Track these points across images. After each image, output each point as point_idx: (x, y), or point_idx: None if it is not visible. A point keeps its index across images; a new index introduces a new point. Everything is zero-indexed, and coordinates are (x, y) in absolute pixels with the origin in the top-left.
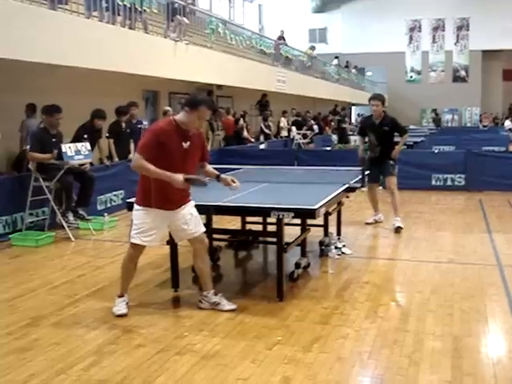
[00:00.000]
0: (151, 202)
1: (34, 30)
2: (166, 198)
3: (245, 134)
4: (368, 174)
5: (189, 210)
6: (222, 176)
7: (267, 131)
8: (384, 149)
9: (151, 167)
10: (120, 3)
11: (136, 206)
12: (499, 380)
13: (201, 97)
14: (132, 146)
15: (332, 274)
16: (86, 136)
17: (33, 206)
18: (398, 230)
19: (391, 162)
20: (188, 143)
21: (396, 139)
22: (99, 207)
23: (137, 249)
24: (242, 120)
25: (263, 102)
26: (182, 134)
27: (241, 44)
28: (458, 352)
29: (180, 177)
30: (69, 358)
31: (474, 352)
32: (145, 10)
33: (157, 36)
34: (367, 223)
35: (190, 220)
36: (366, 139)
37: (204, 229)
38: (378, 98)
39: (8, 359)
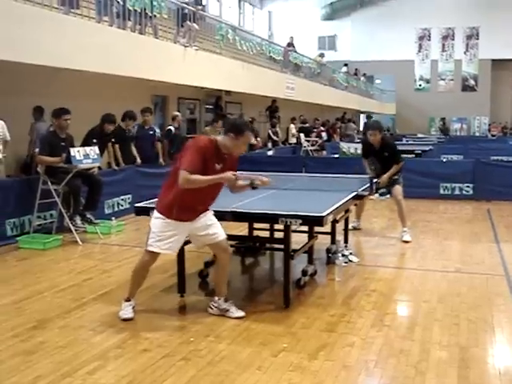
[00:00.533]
0: (173, 215)
1: (42, 33)
2: (191, 211)
3: (252, 140)
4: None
5: (209, 217)
6: (252, 177)
7: (275, 138)
8: (387, 169)
9: (202, 177)
10: (130, 8)
11: (156, 214)
12: None
13: (243, 122)
14: (134, 150)
15: (339, 281)
16: (94, 140)
17: (41, 209)
18: (405, 242)
19: (395, 177)
20: (221, 165)
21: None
22: (107, 211)
23: (152, 256)
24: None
25: (273, 107)
26: (218, 156)
27: (250, 50)
28: (465, 362)
29: (228, 173)
30: (74, 361)
31: (480, 362)
32: (155, 16)
33: (167, 41)
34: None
35: (210, 226)
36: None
37: (225, 235)
38: (373, 127)
39: (14, 361)
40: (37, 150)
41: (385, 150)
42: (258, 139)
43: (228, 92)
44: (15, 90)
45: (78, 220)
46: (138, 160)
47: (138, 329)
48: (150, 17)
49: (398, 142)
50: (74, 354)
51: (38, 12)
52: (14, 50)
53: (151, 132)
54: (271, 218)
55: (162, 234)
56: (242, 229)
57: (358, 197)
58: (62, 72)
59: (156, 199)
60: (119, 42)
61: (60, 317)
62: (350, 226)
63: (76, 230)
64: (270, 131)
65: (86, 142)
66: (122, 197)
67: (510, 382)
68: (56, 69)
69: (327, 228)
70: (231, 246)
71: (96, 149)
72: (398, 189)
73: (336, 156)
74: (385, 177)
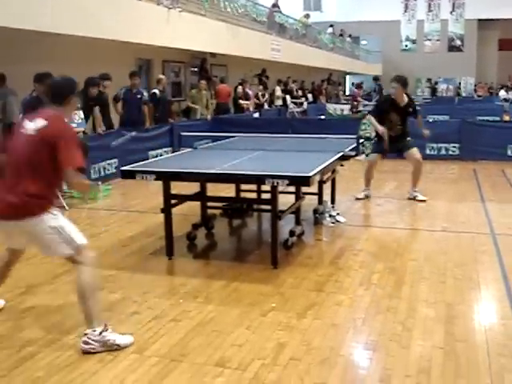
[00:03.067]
0: None
1: None
2: None
3: (243, 102)
4: (377, 145)
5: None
6: None
7: (262, 100)
8: (404, 127)
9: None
10: None
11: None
12: (491, 346)
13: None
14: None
15: (326, 241)
16: (79, 105)
17: None
18: (422, 201)
19: (408, 137)
20: None
21: None
22: (93, 176)
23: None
24: (240, 87)
25: (263, 75)
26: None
27: (235, 12)
28: (451, 319)
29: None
30: (64, 325)
31: (466, 319)
32: None
33: (150, 3)
34: (358, 198)
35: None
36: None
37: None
38: (397, 80)
39: (4, 327)
40: (21, 115)
41: (410, 106)
42: (249, 102)
43: (213, 54)
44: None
45: (63, 185)
46: (100, 129)
47: (127, 292)
48: None
49: None
50: (63, 317)
51: None
52: None
53: (139, 96)
54: (258, 179)
55: None
56: (228, 191)
57: (345, 157)
58: (43, 36)
59: (143, 162)
60: (101, 4)
61: (48, 282)
62: (361, 195)
63: (63, 196)
64: (259, 93)
65: None
66: (108, 161)
67: (495, 337)
68: (37, 32)
69: (314, 188)
70: (219, 208)
71: (81, 113)
72: (416, 150)
73: (322, 117)
74: (425, 130)
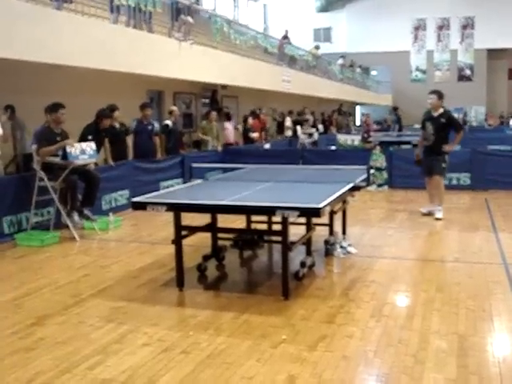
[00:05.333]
0: None
1: (38, 30)
2: None
3: (252, 134)
4: (421, 168)
5: None
6: None
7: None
8: (438, 139)
9: None
10: (124, 3)
11: None
12: (505, 379)
13: None
14: (130, 146)
15: (337, 273)
16: (90, 137)
17: (38, 206)
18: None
19: (440, 157)
20: None
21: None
22: (104, 207)
23: None
24: (251, 119)
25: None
26: None
27: (245, 44)
28: (464, 351)
29: None
30: (74, 356)
31: (479, 351)
32: (150, 12)
33: (161, 36)
34: (423, 214)
35: None
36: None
37: None
38: (433, 92)
39: (13, 358)
40: (34, 146)
41: (442, 117)
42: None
43: (224, 86)
44: (11, 88)
45: (75, 216)
46: (110, 160)
47: (138, 323)
48: (144, 12)
49: (401, 133)
50: (74, 349)
51: (33, 9)
52: (11, 48)
53: (150, 127)
54: (268, 211)
55: None
56: (239, 222)
57: (356, 188)
58: (57, 68)
59: (154, 193)
60: (113, 36)
61: (59, 313)
62: (425, 210)
63: (74, 227)
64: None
65: (82, 139)
66: (120, 192)
67: (509, 369)
68: (51, 65)
69: (325, 219)
70: (229, 239)
71: (92, 145)
72: (439, 179)
73: (333, 148)
74: (452, 144)
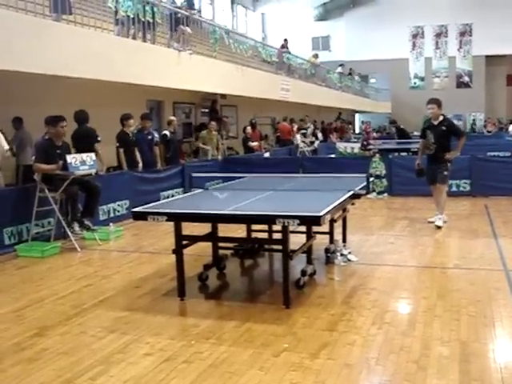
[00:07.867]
0: None
1: (37, 42)
2: None
3: (252, 143)
4: (426, 177)
5: None
6: None
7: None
8: (439, 147)
9: None
10: (123, 14)
11: None
12: None
13: None
14: (138, 155)
15: (338, 280)
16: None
17: (38, 217)
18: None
19: (443, 165)
20: None
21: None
22: (102, 217)
23: None
24: (250, 128)
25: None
26: None
27: (244, 53)
28: (466, 357)
29: None
30: (76, 367)
31: (481, 357)
32: (149, 22)
33: (161, 46)
34: (429, 222)
35: None
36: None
37: None
38: (432, 101)
39: (16, 369)
40: (33, 158)
41: (442, 125)
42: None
43: (223, 95)
44: (7, 100)
45: (76, 227)
46: (140, 164)
47: (140, 333)
48: (144, 22)
49: (403, 140)
50: (76, 360)
51: (32, 20)
52: (10, 59)
53: (150, 137)
54: (269, 219)
55: None
56: (240, 231)
57: (356, 196)
58: (56, 79)
59: (154, 203)
60: (113, 47)
61: (61, 324)
62: (433, 219)
63: (74, 237)
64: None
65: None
66: (119, 202)
67: (511, 375)
68: (51, 76)
69: (325, 228)
70: (230, 248)
71: (93, 155)
72: (442, 188)
73: (333, 156)
74: (454, 151)
